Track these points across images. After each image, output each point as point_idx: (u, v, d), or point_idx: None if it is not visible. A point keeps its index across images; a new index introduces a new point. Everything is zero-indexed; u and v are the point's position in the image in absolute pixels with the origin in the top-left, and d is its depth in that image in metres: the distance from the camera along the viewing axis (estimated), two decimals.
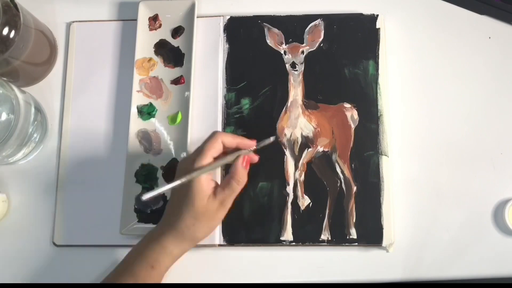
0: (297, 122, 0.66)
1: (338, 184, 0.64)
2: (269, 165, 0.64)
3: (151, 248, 0.56)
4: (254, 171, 0.64)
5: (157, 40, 0.69)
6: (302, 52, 0.67)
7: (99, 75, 0.69)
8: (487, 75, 0.67)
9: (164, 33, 0.69)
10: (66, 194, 0.65)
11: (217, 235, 0.63)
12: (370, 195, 0.63)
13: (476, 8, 0.69)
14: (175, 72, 0.68)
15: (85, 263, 0.64)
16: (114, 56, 0.69)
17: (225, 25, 0.69)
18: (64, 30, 0.71)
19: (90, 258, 0.64)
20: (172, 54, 0.68)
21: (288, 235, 0.63)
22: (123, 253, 0.63)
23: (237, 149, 0.58)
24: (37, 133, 0.66)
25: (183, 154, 0.64)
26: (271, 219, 0.63)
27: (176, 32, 0.69)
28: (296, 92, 0.66)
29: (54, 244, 0.64)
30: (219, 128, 0.66)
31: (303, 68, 0.67)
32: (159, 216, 0.63)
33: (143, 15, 0.69)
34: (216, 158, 0.57)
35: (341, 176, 0.64)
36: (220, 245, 0.63)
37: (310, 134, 0.65)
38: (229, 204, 0.57)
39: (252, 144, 0.58)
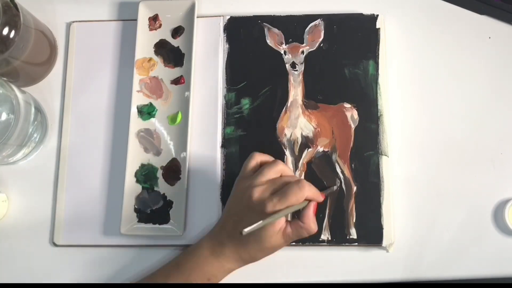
0: (297, 122, 0.66)
1: (338, 184, 0.64)
2: None
3: (210, 263, 0.58)
4: None
5: (157, 40, 0.69)
6: (302, 52, 0.67)
7: (99, 75, 0.69)
8: (487, 75, 0.67)
9: (164, 33, 0.69)
10: (66, 194, 0.65)
11: None
12: (370, 195, 0.63)
13: (476, 8, 0.69)
14: (175, 72, 0.68)
15: (85, 263, 0.64)
16: (114, 56, 0.69)
17: (225, 25, 0.69)
18: (64, 30, 0.71)
19: (90, 258, 0.64)
20: (172, 54, 0.68)
21: None
22: (123, 253, 0.64)
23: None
24: (37, 133, 0.66)
25: (183, 154, 0.64)
26: None
27: (176, 32, 0.69)
28: (296, 92, 0.66)
29: (54, 244, 0.64)
30: (219, 128, 0.66)
31: (303, 68, 0.67)
32: (159, 216, 0.63)
33: (143, 15, 0.69)
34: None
35: (341, 176, 0.64)
36: None
37: (310, 134, 0.65)
38: (290, 241, 0.58)
39: (321, 198, 0.59)
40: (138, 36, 0.68)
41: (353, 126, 0.65)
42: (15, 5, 0.60)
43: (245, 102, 0.66)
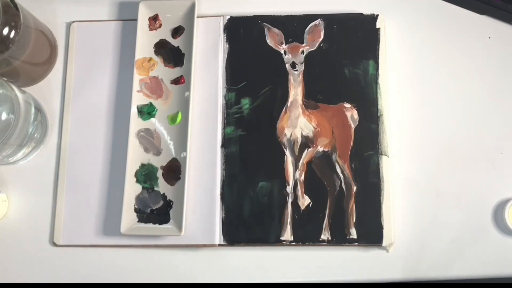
0: (297, 122, 0.66)
1: (338, 184, 0.64)
2: (269, 165, 0.65)
3: None
4: (254, 171, 0.64)
5: (157, 40, 0.69)
6: (302, 52, 0.67)
7: (99, 75, 0.69)
8: (487, 75, 0.67)
9: (164, 33, 0.69)
10: (66, 194, 0.65)
11: (217, 235, 0.63)
12: (370, 195, 0.63)
13: (476, 8, 0.69)
14: (175, 72, 0.68)
15: (85, 263, 0.64)
16: (114, 56, 0.69)
17: (225, 25, 0.69)
18: (64, 30, 0.71)
19: (90, 258, 0.64)
20: (172, 54, 0.68)
21: (288, 235, 0.63)
22: (123, 253, 0.64)
23: None
24: (37, 133, 0.66)
25: (183, 154, 0.64)
26: (271, 219, 0.63)
27: (176, 32, 0.69)
28: (296, 92, 0.66)
29: (54, 244, 0.64)
30: (219, 128, 0.66)
31: (303, 68, 0.67)
32: (159, 216, 0.63)
33: (143, 15, 0.69)
34: None
35: (341, 176, 0.64)
36: (220, 245, 0.63)
37: (310, 134, 0.65)
38: None
39: None
40: (138, 36, 0.68)
41: (353, 126, 0.65)
42: (15, 5, 0.60)
43: (245, 102, 0.66)
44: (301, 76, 0.67)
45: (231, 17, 0.69)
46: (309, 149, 0.65)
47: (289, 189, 0.64)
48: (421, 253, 0.63)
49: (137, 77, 0.67)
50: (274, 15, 0.69)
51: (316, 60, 0.67)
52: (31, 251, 0.64)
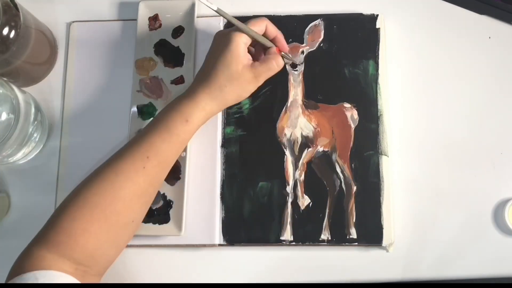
0: (297, 122, 0.66)
1: (338, 184, 0.64)
2: (269, 165, 0.65)
3: (185, 104, 0.58)
4: (254, 171, 0.64)
5: (157, 40, 0.69)
6: (302, 52, 0.67)
7: (99, 75, 0.69)
8: (487, 75, 0.67)
9: (164, 33, 0.69)
10: (66, 194, 0.65)
11: (217, 235, 0.63)
12: (370, 195, 0.63)
13: (476, 8, 0.69)
14: (175, 72, 0.68)
15: None
16: (114, 56, 0.69)
17: (225, 25, 0.69)
18: (64, 30, 0.71)
19: None
20: (172, 54, 0.68)
21: (288, 235, 0.63)
22: (123, 253, 0.63)
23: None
24: (37, 133, 0.66)
25: (183, 154, 0.64)
26: (271, 219, 0.63)
27: (176, 32, 0.69)
28: (296, 92, 0.66)
29: None
30: (219, 128, 0.66)
31: (303, 68, 0.67)
32: (159, 216, 0.63)
33: (143, 15, 0.69)
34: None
35: (341, 176, 0.64)
36: (220, 245, 0.63)
37: (310, 134, 0.65)
38: (262, 80, 0.60)
39: (286, 48, 0.63)
40: (138, 36, 0.68)
41: (353, 126, 0.65)
42: (15, 5, 0.60)
43: (245, 102, 0.66)
44: (301, 76, 0.67)
45: None
46: (309, 149, 0.65)
47: (289, 189, 0.64)
48: (421, 253, 0.63)
49: (137, 77, 0.67)
50: (274, 15, 0.68)
51: (316, 60, 0.67)
52: None
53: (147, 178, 0.56)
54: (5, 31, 0.59)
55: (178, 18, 0.69)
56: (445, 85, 0.67)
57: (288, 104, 0.66)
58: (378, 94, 0.66)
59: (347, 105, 0.66)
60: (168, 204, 0.64)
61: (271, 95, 0.66)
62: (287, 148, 0.65)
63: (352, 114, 0.65)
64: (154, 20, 0.69)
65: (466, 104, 0.67)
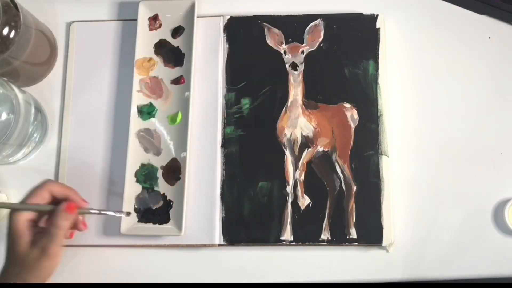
0: (297, 122, 0.66)
1: (338, 184, 0.64)
2: (269, 165, 0.65)
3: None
4: (254, 171, 0.64)
5: (157, 40, 0.69)
6: (302, 52, 0.67)
7: (99, 75, 0.69)
8: (487, 75, 0.67)
9: (164, 33, 0.69)
10: None
11: (217, 235, 0.63)
12: (370, 195, 0.63)
13: (476, 8, 0.69)
14: (175, 72, 0.68)
15: (85, 263, 0.64)
16: (114, 56, 0.69)
17: (225, 25, 0.69)
18: (64, 30, 0.71)
19: (90, 258, 0.64)
20: (172, 54, 0.68)
21: (288, 235, 0.63)
22: (123, 253, 0.64)
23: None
24: (37, 133, 0.66)
25: (183, 154, 0.64)
26: (271, 219, 0.63)
27: (176, 32, 0.69)
28: (296, 92, 0.66)
29: None
30: (219, 128, 0.66)
31: (303, 68, 0.67)
32: (159, 216, 0.63)
33: (143, 15, 0.69)
34: None
35: (341, 176, 0.64)
36: (220, 245, 0.63)
37: (310, 134, 0.65)
38: (53, 252, 0.53)
39: (83, 203, 0.56)
40: (138, 36, 0.68)
41: (353, 126, 0.65)
42: (15, 5, 0.60)
43: (245, 102, 0.66)
44: (301, 76, 0.67)
45: (231, 17, 0.69)
46: (309, 149, 0.65)
47: (289, 189, 0.64)
48: (421, 253, 0.63)
49: (137, 77, 0.67)
50: (274, 15, 0.69)
51: (316, 60, 0.67)
52: None
53: None
54: (5, 31, 0.59)
55: (178, 18, 0.69)
56: (445, 85, 0.67)
57: (288, 104, 0.66)
58: (378, 94, 0.66)
59: (347, 105, 0.66)
60: (168, 204, 0.64)
61: (271, 95, 0.66)
62: (287, 148, 0.65)
63: (352, 114, 0.65)
64: (154, 20, 0.69)
65: (466, 104, 0.67)
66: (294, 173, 0.64)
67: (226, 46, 0.68)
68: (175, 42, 0.69)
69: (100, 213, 0.59)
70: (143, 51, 0.68)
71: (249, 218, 0.63)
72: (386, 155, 0.64)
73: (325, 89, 0.66)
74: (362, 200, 0.63)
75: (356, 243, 0.62)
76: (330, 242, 0.62)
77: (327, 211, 0.63)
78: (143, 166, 0.65)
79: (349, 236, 0.62)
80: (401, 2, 0.69)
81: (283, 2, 0.70)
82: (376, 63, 0.66)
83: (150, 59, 0.68)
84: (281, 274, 0.63)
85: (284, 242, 0.62)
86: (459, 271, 0.62)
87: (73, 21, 0.71)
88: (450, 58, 0.68)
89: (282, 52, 0.67)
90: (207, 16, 0.69)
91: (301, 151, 0.65)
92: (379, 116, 0.65)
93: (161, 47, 0.68)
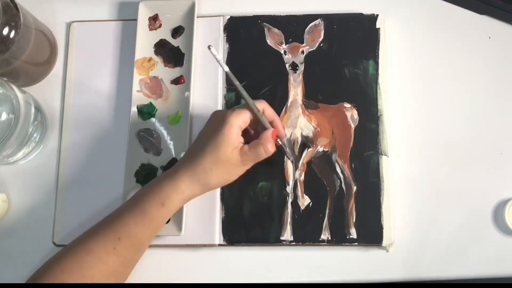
0: (297, 122, 0.66)
1: (338, 184, 0.64)
2: (269, 165, 0.64)
3: (164, 185, 0.56)
4: (254, 171, 0.64)
5: (157, 40, 0.69)
6: (302, 52, 0.67)
7: (99, 75, 0.69)
8: (487, 75, 0.67)
9: (164, 33, 0.69)
10: (66, 194, 0.65)
11: (217, 235, 0.63)
12: (370, 195, 0.63)
13: (476, 8, 0.69)
14: (175, 72, 0.68)
15: None
16: (114, 56, 0.69)
17: (225, 25, 0.69)
18: (64, 30, 0.71)
19: None
20: (172, 54, 0.68)
21: (288, 235, 0.63)
22: None
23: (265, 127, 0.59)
24: (37, 133, 0.66)
25: (183, 154, 0.64)
26: (271, 219, 0.63)
27: (176, 32, 0.69)
28: (296, 92, 0.66)
29: (54, 244, 0.64)
30: None
31: (303, 68, 0.67)
32: None
33: (143, 15, 0.69)
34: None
35: (341, 176, 0.64)
36: (220, 245, 0.63)
37: (310, 134, 0.65)
38: (249, 165, 0.58)
39: (283, 133, 0.61)
40: (138, 36, 0.68)
41: (353, 126, 0.65)
42: (15, 5, 0.60)
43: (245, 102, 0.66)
44: (301, 76, 0.67)
45: (231, 17, 0.69)
46: (309, 149, 0.65)
47: (289, 189, 0.64)
48: (421, 253, 0.63)
49: (137, 77, 0.67)
50: (274, 15, 0.69)
51: (316, 60, 0.67)
52: (31, 251, 0.64)
53: (118, 259, 0.55)
54: (5, 31, 0.59)
55: (178, 18, 0.69)
56: (445, 85, 0.67)
57: (288, 104, 0.66)
58: (378, 94, 0.66)
59: (347, 105, 0.66)
60: None
61: (271, 95, 0.66)
62: (287, 148, 0.65)
63: (352, 114, 0.65)
64: (154, 20, 0.69)
65: (466, 104, 0.67)
66: (294, 173, 0.64)
67: (226, 46, 0.68)
68: (175, 42, 0.69)
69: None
70: (143, 51, 0.68)
71: (249, 218, 0.63)
72: (386, 155, 0.64)
73: (325, 89, 0.66)
74: (362, 200, 0.63)
75: (356, 243, 0.62)
76: (330, 242, 0.62)
77: (327, 211, 0.63)
78: (143, 166, 0.65)
79: (349, 236, 0.62)
80: (401, 2, 0.69)
81: (283, 2, 0.70)
82: (376, 63, 0.66)
83: (150, 59, 0.68)
84: (281, 274, 0.63)
85: (284, 242, 0.62)
86: (459, 271, 0.62)
87: (73, 21, 0.71)
88: (450, 58, 0.68)
89: (282, 52, 0.67)
90: (207, 16, 0.69)
91: (301, 151, 0.65)
92: (379, 116, 0.65)
93: (161, 47, 0.68)
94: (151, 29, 0.69)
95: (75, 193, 0.65)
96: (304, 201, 0.63)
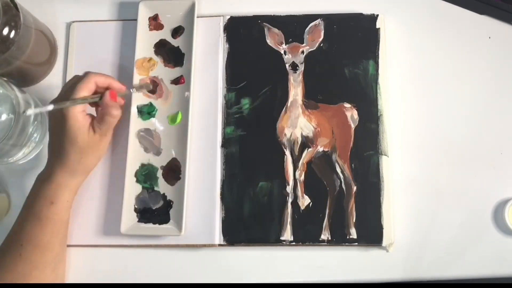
0: (297, 122, 0.66)
1: (338, 184, 0.64)
2: (269, 165, 0.65)
3: (47, 187, 0.58)
4: (254, 171, 0.64)
5: (157, 40, 0.69)
6: (302, 52, 0.67)
7: None
8: (487, 75, 0.67)
9: (164, 33, 0.69)
10: None
11: (217, 235, 0.63)
12: (370, 195, 0.63)
13: (476, 8, 0.69)
14: (175, 72, 0.68)
15: (85, 263, 0.64)
16: (114, 56, 0.69)
17: (225, 25, 0.69)
18: (64, 30, 0.71)
19: (90, 258, 0.64)
20: (172, 54, 0.68)
21: (288, 235, 0.63)
22: (123, 253, 0.64)
23: (108, 89, 0.60)
24: (37, 133, 0.66)
25: (183, 154, 0.64)
26: (271, 219, 0.63)
27: (176, 32, 0.69)
28: (296, 92, 0.66)
29: None
30: (219, 128, 0.66)
31: (303, 68, 0.67)
32: (159, 216, 0.63)
33: (143, 15, 0.69)
34: None
35: (341, 176, 0.64)
36: (220, 245, 0.63)
37: (310, 134, 0.65)
38: (110, 133, 0.61)
39: (122, 88, 0.61)
40: (138, 36, 0.68)
41: (353, 126, 0.65)
42: (15, 5, 0.60)
43: (245, 102, 0.66)
44: (301, 76, 0.67)
45: (231, 17, 0.69)
46: (309, 149, 0.65)
47: (289, 189, 0.64)
48: (421, 253, 0.63)
49: (137, 77, 0.67)
50: (274, 15, 0.69)
51: (316, 60, 0.67)
52: None
53: (26, 265, 0.56)
54: (5, 31, 0.59)
55: (178, 18, 0.69)
56: (445, 85, 0.67)
57: (288, 104, 0.66)
58: (378, 94, 0.66)
59: (347, 105, 0.66)
60: (168, 204, 0.64)
61: (271, 95, 0.66)
62: (287, 148, 0.65)
63: (352, 114, 0.65)
64: (154, 20, 0.69)
65: (466, 104, 0.67)
66: (294, 173, 0.64)
67: (226, 46, 0.68)
68: (175, 42, 0.69)
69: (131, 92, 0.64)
70: (143, 51, 0.68)
71: (249, 218, 0.63)
72: (386, 155, 0.64)
73: (325, 89, 0.66)
74: (362, 200, 0.63)
75: (356, 243, 0.62)
76: (330, 242, 0.62)
77: (327, 211, 0.63)
78: (143, 166, 0.65)
79: (349, 236, 0.62)
80: (401, 2, 0.69)
81: (283, 2, 0.70)
82: (376, 63, 0.66)
83: (150, 59, 0.68)
84: (281, 274, 0.63)
85: (284, 242, 0.62)
86: (459, 271, 0.62)
87: (73, 21, 0.71)
88: (450, 58, 0.68)
89: (282, 52, 0.67)
90: (207, 16, 0.69)
91: (301, 151, 0.65)
92: (379, 116, 0.65)
93: (161, 47, 0.68)
94: (151, 29, 0.69)
95: None
96: (304, 201, 0.63)
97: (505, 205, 0.62)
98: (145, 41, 0.68)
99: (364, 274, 0.63)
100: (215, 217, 0.64)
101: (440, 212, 0.64)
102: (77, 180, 0.60)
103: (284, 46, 0.68)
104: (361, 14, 0.68)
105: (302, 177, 0.64)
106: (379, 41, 0.67)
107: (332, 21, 0.68)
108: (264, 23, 0.68)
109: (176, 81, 0.67)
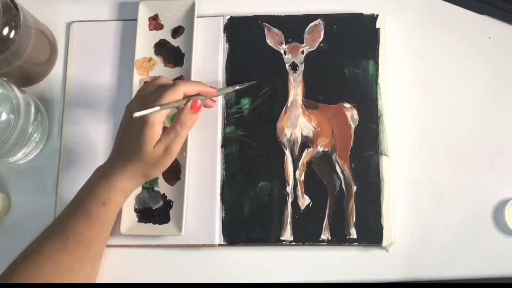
0: (297, 122, 0.66)
1: (338, 184, 0.64)
2: (269, 165, 0.65)
3: (102, 186, 0.58)
4: (254, 171, 0.64)
5: (157, 40, 0.69)
6: (302, 52, 0.67)
7: (99, 75, 0.69)
8: (487, 75, 0.67)
9: (164, 33, 0.69)
10: (66, 194, 0.65)
11: (217, 235, 0.63)
12: (370, 195, 0.63)
13: (476, 8, 0.69)
14: (175, 72, 0.68)
15: None
16: (114, 56, 0.69)
17: (225, 25, 0.69)
18: (64, 30, 0.71)
19: None
20: (172, 54, 0.68)
21: (288, 235, 0.63)
22: (123, 253, 0.64)
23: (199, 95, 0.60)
24: (37, 133, 0.66)
25: (183, 154, 0.64)
26: (271, 219, 0.63)
27: (176, 32, 0.69)
28: (296, 92, 0.66)
29: None
30: (219, 128, 0.66)
31: (303, 68, 0.67)
32: (159, 216, 0.63)
33: (143, 15, 0.69)
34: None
35: (341, 176, 0.64)
36: (220, 245, 0.63)
37: (310, 134, 0.65)
38: (175, 150, 0.58)
39: (213, 92, 0.61)
40: (138, 36, 0.68)
41: (353, 126, 0.65)
42: (15, 5, 0.60)
43: (245, 102, 0.66)
44: (301, 76, 0.67)
45: (231, 17, 0.69)
46: (309, 149, 0.65)
47: (289, 189, 0.64)
48: (421, 253, 0.63)
49: (137, 77, 0.67)
50: (274, 15, 0.69)
51: (316, 60, 0.67)
52: None
53: (68, 257, 0.56)
54: (5, 31, 0.59)
55: (178, 18, 0.69)
56: (445, 85, 0.67)
57: (288, 104, 0.66)
58: (378, 94, 0.66)
59: (347, 105, 0.66)
60: (168, 204, 0.64)
61: (271, 95, 0.66)
62: (287, 148, 0.65)
63: (352, 114, 0.65)
64: (154, 20, 0.69)
65: (466, 104, 0.67)
66: (294, 173, 0.64)
67: (226, 46, 0.68)
68: (175, 42, 0.69)
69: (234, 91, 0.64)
70: (143, 51, 0.68)
71: (249, 218, 0.63)
72: (386, 155, 0.64)
73: (325, 89, 0.66)
74: (362, 200, 0.63)
75: (356, 243, 0.62)
76: (330, 242, 0.62)
77: (327, 211, 0.63)
78: None
79: (349, 236, 0.62)
80: (401, 2, 0.69)
81: (283, 2, 0.70)
82: (376, 63, 0.66)
83: (150, 59, 0.68)
84: (281, 274, 0.63)
85: (284, 242, 0.62)
86: (459, 271, 0.62)
87: (73, 21, 0.71)
88: (450, 58, 0.68)
89: (282, 52, 0.67)
90: (207, 16, 0.69)
91: (301, 151, 0.65)
92: (379, 116, 0.65)
93: (161, 47, 0.68)
94: (151, 29, 0.69)
95: (75, 193, 0.65)
96: (304, 201, 0.63)
97: (505, 205, 0.62)
98: (145, 41, 0.68)
99: (364, 274, 0.63)
100: (215, 217, 0.64)
101: (440, 212, 0.64)
102: (133, 185, 0.59)
103: (284, 46, 0.68)
104: (361, 14, 0.68)
105: (302, 177, 0.64)
106: (379, 41, 0.67)
107: (332, 21, 0.68)
108: (264, 23, 0.68)
109: None
